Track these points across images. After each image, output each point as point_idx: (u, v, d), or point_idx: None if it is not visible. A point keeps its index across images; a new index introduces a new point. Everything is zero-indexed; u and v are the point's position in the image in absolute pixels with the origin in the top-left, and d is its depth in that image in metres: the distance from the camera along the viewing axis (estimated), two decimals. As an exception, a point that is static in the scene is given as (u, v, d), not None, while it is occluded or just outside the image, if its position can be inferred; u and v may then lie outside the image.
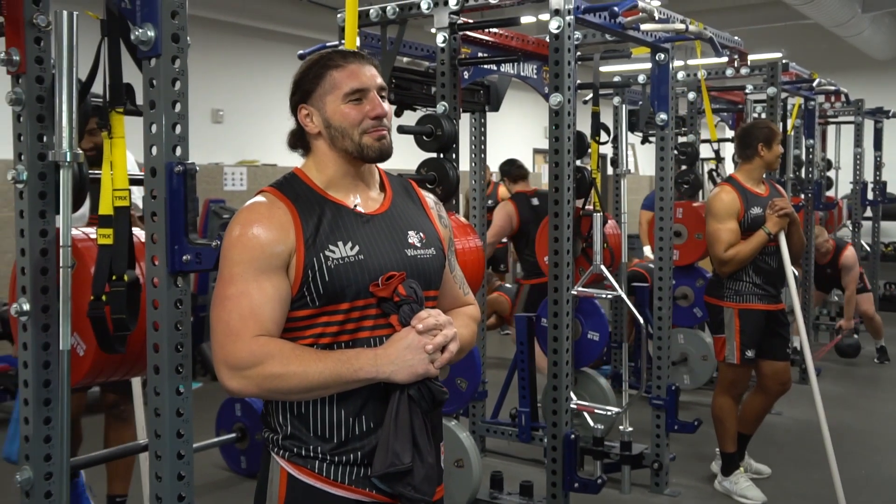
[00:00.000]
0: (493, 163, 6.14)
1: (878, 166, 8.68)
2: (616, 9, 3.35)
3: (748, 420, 4.23)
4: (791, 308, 4.25)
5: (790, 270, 4.07)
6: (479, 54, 4.02)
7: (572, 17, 3.21)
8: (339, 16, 3.46)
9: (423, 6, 3.42)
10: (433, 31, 3.45)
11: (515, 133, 11.98)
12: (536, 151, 13.17)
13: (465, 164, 4.85)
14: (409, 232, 1.74)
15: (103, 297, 1.92)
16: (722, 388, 4.19)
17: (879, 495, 4.27)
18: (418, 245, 1.73)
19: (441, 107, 3.43)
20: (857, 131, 8.24)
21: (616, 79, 5.69)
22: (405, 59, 4.11)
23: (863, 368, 7.20)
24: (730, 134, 7.27)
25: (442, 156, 3.34)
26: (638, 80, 5.50)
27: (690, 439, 4.73)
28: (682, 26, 3.73)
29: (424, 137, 3.33)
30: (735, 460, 4.22)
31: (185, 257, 1.77)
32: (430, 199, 1.88)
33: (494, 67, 4.13)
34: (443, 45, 3.43)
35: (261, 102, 8.43)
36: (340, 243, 1.63)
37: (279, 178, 1.74)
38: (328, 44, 4.06)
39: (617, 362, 5.89)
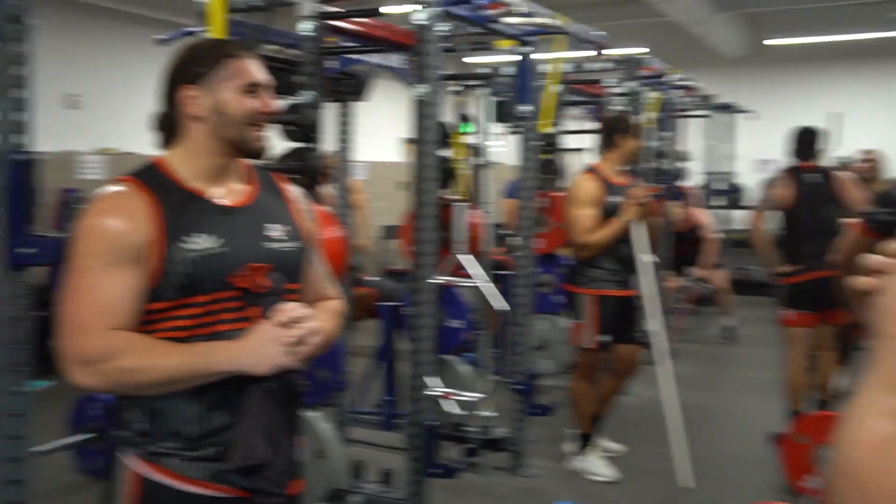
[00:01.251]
0: (364, 152, 6.08)
1: (728, 158, 9.18)
2: (482, 0, 3.41)
3: (601, 401, 4.41)
4: (645, 294, 4.45)
5: (644, 257, 4.24)
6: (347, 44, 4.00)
7: (438, 8, 3.25)
8: (199, -1, 3.37)
9: (289, -6, 3.38)
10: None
11: (388, 123, 11.96)
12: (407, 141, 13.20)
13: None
14: (272, 225, 1.72)
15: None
16: (579, 371, 4.35)
17: (726, 470, 4.54)
18: (280, 238, 1.72)
19: (305, 96, 3.41)
20: (708, 125, 8.67)
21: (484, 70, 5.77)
22: (271, 48, 4.04)
23: (711, 348, 7.67)
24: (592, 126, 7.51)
25: (305, 145, 3.32)
26: (506, 71, 5.59)
27: (551, 422, 4.88)
28: (545, 20, 3.83)
29: (288, 127, 3.30)
30: (590, 440, 4.40)
31: (24, 251, 1.70)
32: (294, 191, 1.87)
33: (360, 57, 4.12)
34: (307, 34, 3.40)
35: (120, 88, 8.09)
36: (201, 235, 1.60)
37: (137, 166, 1.68)
38: (189, 29, 3.94)
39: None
